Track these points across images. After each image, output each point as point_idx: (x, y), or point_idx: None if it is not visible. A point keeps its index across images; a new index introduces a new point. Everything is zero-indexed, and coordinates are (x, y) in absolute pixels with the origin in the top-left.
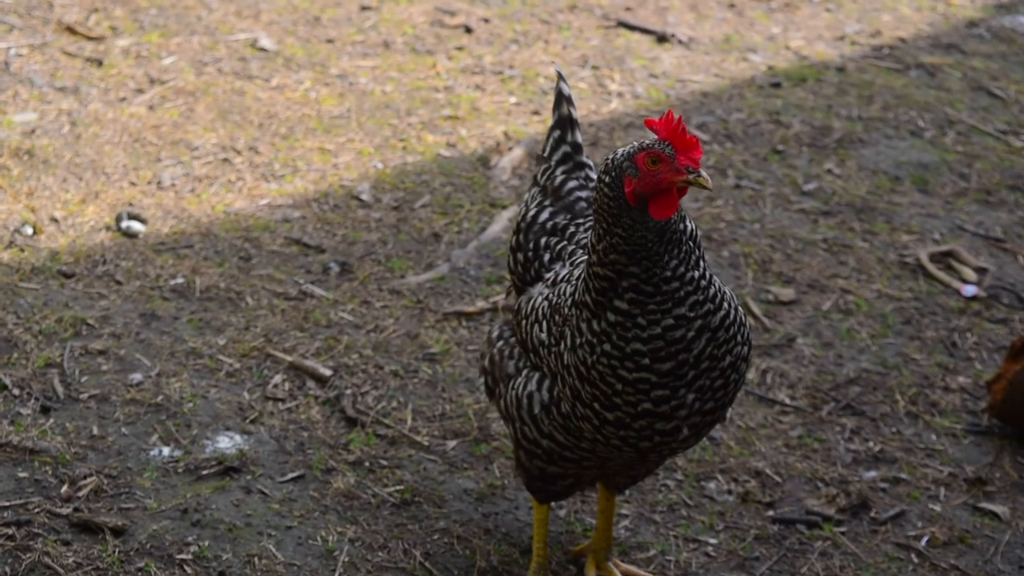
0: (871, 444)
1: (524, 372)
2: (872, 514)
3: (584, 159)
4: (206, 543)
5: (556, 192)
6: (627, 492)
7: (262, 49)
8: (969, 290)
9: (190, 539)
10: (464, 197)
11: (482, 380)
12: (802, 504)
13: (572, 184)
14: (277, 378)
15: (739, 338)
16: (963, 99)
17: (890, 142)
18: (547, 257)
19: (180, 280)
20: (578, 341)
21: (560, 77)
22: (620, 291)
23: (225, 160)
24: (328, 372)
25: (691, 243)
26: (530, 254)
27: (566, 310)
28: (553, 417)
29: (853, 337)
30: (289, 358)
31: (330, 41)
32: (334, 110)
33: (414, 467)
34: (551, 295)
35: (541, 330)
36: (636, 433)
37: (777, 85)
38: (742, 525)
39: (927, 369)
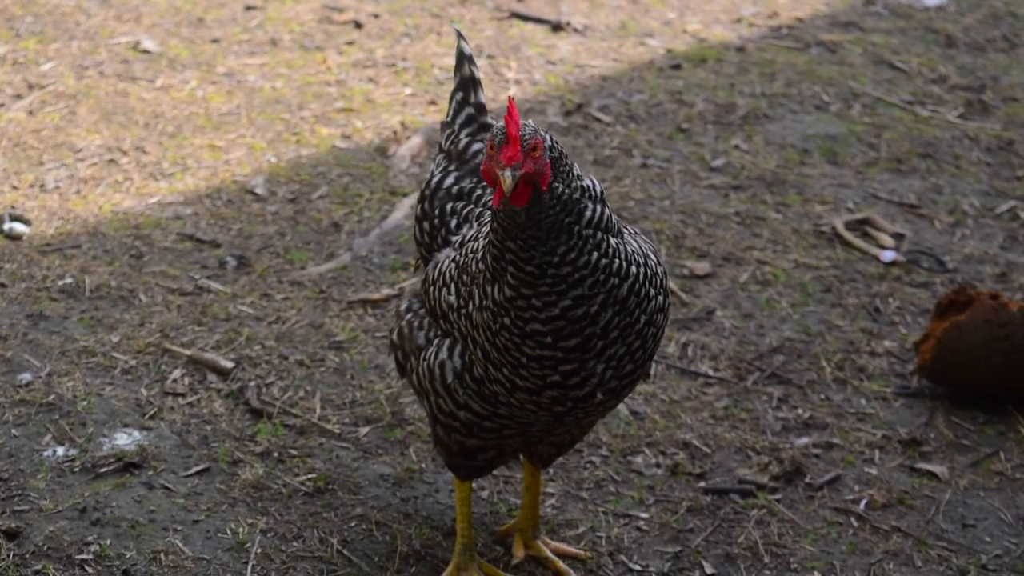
0: (800, 411)
1: (435, 342)
2: (807, 480)
3: (489, 120)
4: (108, 542)
5: (461, 156)
6: (552, 470)
7: (145, 51)
8: (888, 255)
9: (90, 538)
10: (363, 187)
11: (392, 357)
12: (734, 474)
13: (477, 146)
14: (176, 373)
15: (652, 291)
16: (866, 73)
17: (796, 116)
18: (453, 223)
19: (68, 280)
20: (485, 303)
21: (459, 36)
22: (504, 265)
23: (111, 161)
24: (230, 364)
25: (590, 230)
26: (436, 221)
27: (473, 267)
28: (467, 384)
29: (773, 307)
30: (188, 352)
31: (215, 41)
32: (223, 107)
33: (326, 455)
34: (458, 256)
35: (449, 293)
36: (549, 400)
37: (677, 67)
38: (673, 498)
39: (851, 335)
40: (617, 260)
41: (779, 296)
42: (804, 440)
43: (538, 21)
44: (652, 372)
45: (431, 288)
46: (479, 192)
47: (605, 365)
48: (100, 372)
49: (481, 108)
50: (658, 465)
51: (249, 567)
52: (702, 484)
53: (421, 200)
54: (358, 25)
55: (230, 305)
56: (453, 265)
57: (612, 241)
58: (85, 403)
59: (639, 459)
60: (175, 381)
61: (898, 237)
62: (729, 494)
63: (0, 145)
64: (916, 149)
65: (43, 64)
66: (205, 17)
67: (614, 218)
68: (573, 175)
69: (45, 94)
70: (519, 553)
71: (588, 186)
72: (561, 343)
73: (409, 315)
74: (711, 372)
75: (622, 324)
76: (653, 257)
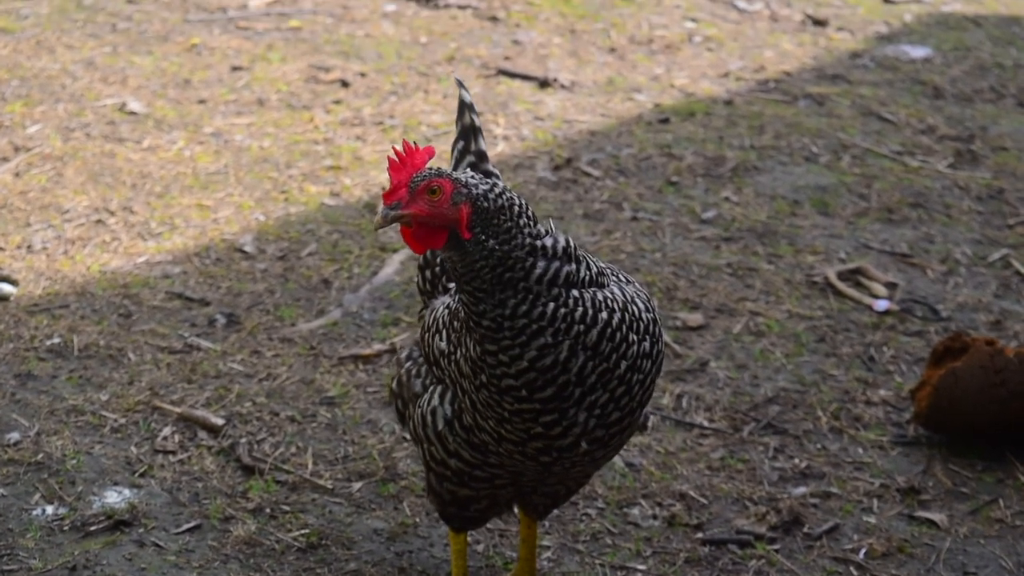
0: (797, 461)
1: (430, 389)
2: (805, 530)
3: (490, 167)
4: None
5: None
6: (547, 522)
7: (131, 113)
8: (881, 305)
9: None
10: (353, 243)
11: (393, 407)
12: (731, 524)
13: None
14: (166, 431)
15: (633, 336)
16: (855, 124)
17: (785, 168)
18: None
19: (57, 340)
20: (468, 354)
21: (460, 85)
22: (467, 318)
23: (98, 221)
24: (220, 421)
25: (541, 286)
26: (437, 269)
27: (462, 315)
28: (456, 432)
29: (767, 358)
30: (178, 410)
31: (202, 102)
32: (210, 167)
33: (319, 511)
34: (451, 302)
35: (441, 339)
36: (535, 450)
37: (666, 121)
38: (671, 549)
39: (846, 384)
40: (580, 308)
41: (773, 347)
42: (801, 490)
43: (525, 78)
44: (649, 424)
45: (426, 335)
46: None
47: (587, 413)
48: (89, 431)
49: (482, 155)
50: (655, 517)
51: None
52: (700, 535)
53: None
54: (345, 84)
55: (220, 363)
56: (446, 311)
57: (574, 293)
58: (74, 462)
59: (635, 511)
60: (165, 439)
61: (891, 286)
62: (727, 545)
63: None
64: (907, 199)
65: (29, 127)
66: (191, 79)
67: (587, 272)
68: (517, 232)
69: (32, 156)
70: None
71: (546, 245)
72: (537, 395)
73: (409, 363)
74: (706, 423)
75: (599, 370)
76: (640, 304)
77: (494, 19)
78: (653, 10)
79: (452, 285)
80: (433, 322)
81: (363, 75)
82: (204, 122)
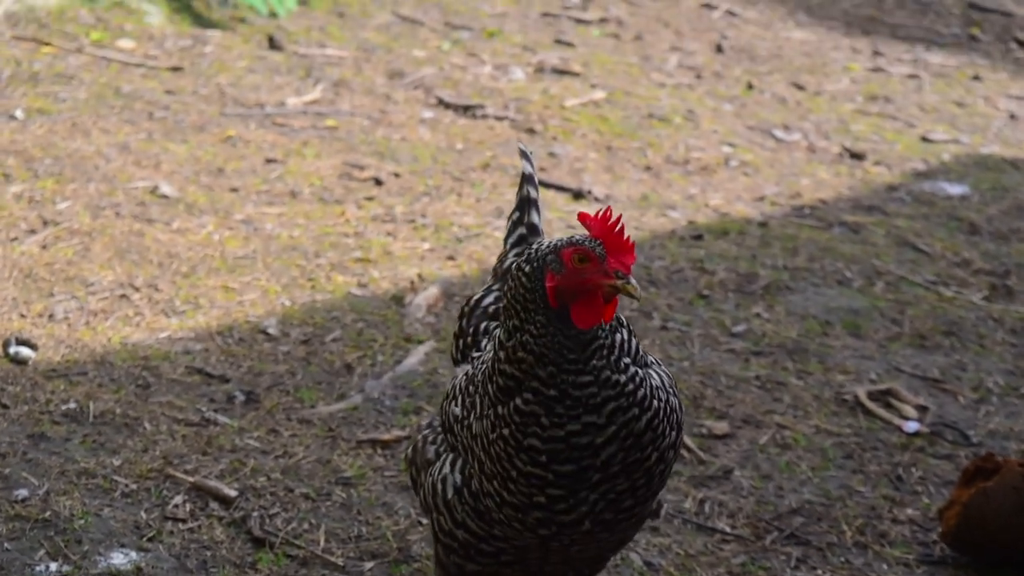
0: (819, 572)
1: (442, 457)
2: None
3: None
4: None
5: (505, 275)
6: None
7: (163, 196)
8: (911, 426)
9: None
10: (377, 332)
11: (408, 473)
12: None
13: None
14: (177, 499)
15: (669, 429)
16: (889, 253)
17: (818, 290)
18: (484, 342)
19: (72, 405)
20: (485, 412)
21: (524, 155)
22: (525, 394)
23: (122, 296)
24: (233, 493)
25: (621, 351)
26: (469, 340)
27: (479, 378)
28: (464, 500)
29: (793, 470)
30: (191, 479)
31: (234, 190)
32: (238, 251)
33: None
34: (470, 369)
35: (456, 405)
36: (535, 521)
37: (699, 237)
38: None
39: (873, 501)
40: (642, 389)
41: (799, 460)
42: None
43: (560, 189)
44: (663, 511)
45: (444, 402)
46: None
47: (599, 496)
48: (99, 494)
49: (534, 228)
50: None
51: None
52: None
53: (460, 317)
54: (378, 183)
55: (236, 438)
56: (464, 378)
57: (640, 371)
58: (82, 522)
59: None
60: (176, 506)
61: (921, 409)
62: None
63: (11, 276)
64: (940, 327)
65: (59, 203)
66: (225, 168)
67: (642, 350)
68: None
69: (59, 230)
70: None
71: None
72: (555, 466)
73: (427, 431)
74: (728, 529)
75: (629, 460)
76: (675, 393)
77: (531, 131)
78: (690, 133)
79: (479, 353)
80: (451, 388)
81: (397, 175)
82: (235, 209)
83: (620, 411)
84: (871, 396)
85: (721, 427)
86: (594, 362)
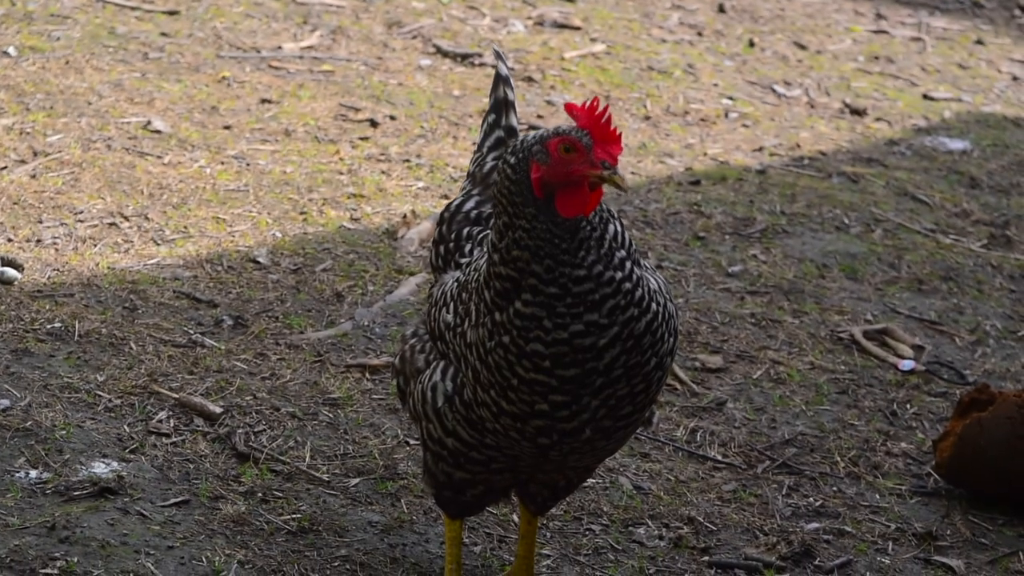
0: (811, 500)
1: (432, 365)
2: (816, 562)
3: None
4: (75, 559)
5: (484, 179)
6: (548, 533)
7: (155, 131)
8: (907, 364)
9: (57, 555)
10: (369, 264)
11: (395, 384)
12: (740, 552)
13: None
14: (161, 414)
15: (667, 335)
16: (888, 202)
17: (815, 234)
18: (468, 247)
19: (57, 324)
20: (481, 320)
21: (498, 56)
22: (524, 295)
23: (112, 224)
24: (218, 410)
25: (615, 243)
26: (451, 245)
27: (472, 285)
28: (456, 408)
29: (786, 403)
30: (175, 395)
31: (227, 127)
32: (230, 184)
33: (313, 500)
34: (461, 276)
35: (448, 312)
36: (534, 429)
37: (696, 183)
38: (675, 569)
39: (866, 434)
40: (640, 289)
41: (792, 394)
42: (814, 525)
43: None
44: (655, 419)
45: (432, 309)
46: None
47: (601, 403)
48: (82, 407)
49: (511, 131)
50: (661, 537)
51: None
52: (706, 558)
53: (440, 223)
54: (374, 124)
55: (223, 360)
56: (455, 285)
57: (636, 269)
58: (64, 432)
59: (641, 530)
60: (160, 422)
61: (918, 349)
62: (734, 569)
63: None
64: (938, 272)
65: (50, 136)
66: (219, 106)
67: (635, 245)
68: None
69: (49, 161)
70: None
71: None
72: (558, 371)
73: (413, 339)
74: (719, 457)
75: (630, 363)
76: (671, 300)
77: (529, 79)
78: (690, 85)
79: (467, 259)
80: (441, 296)
81: (393, 118)
82: (228, 145)
83: (619, 310)
84: (867, 335)
85: (715, 361)
86: (587, 256)
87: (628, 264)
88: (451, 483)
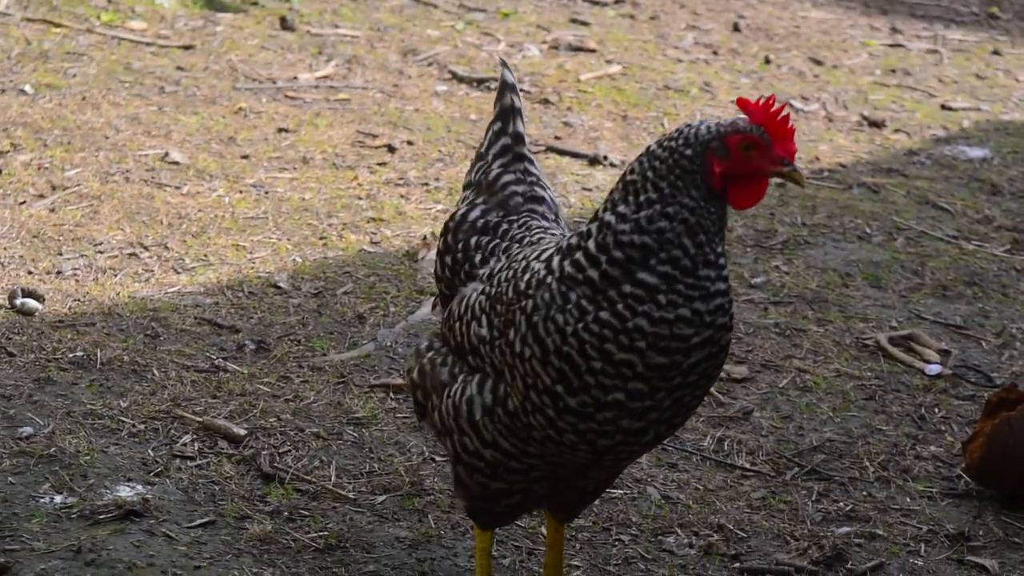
0: (841, 504)
1: (461, 378)
2: (848, 566)
3: (525, 151)
4: None
5: (490, 187)
6: (578, 545)
7: (173, 162)
8: (933, 369)
9: None
10: (390, 286)
11: (412, 399)
12: (771, 557)
13: (508, 178)
14: (186, 438)
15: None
16: (910, 210)
17: (838, 245)
18: (478, 258)
19: (79, 353)
20: (556, 307)
21: (504, 64)
22: (653, 263)
23: (132, 255)
24: (243, 432)
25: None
26: (459, 255)
27: (511, 294)
28: (497, 419)
29: (813, 411)
30: (199, 419)
31: (245, 157)
32: (249, 212)
33: (339, 518)
34: (488, 288)
35: (480, 326)
36: (598, 426)
37: None
38: None
39: (895, 439)
40: (730, 296)
41: (819, 401)
42: (845, 529)
43: (575, 155)
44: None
45: (457, 324)
46: (505, 227)
47: (671, 404)
48: (106, 433)
49: (519, 138)
50: (691, 545)
51: None
52: (737, 565)
53: (444, 233)
54: (391, 149)
55: (247, 383)
56: (483, 298)
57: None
58: (88, 458)
59: (671, 539)
60: (184, 445)
61: (944, 353)
62: (766, 574)
63: (19, 236)
64: (962, 277)
65: (68, 170)
66: (236, 136)
67: None
68: None
69: (68, 194)
70: None
71: None
72: (651, 352)
73: (431, 353)
74: (747, 465)
75: (707, 371)
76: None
77: (546, 102)
78: (707, 103)
79: (482, 271)
80: (467, 309)
81: (410, 143)
82: (246, 175)
83: (721, 311)
84: (892, 341)
85: (740, 371)
86: (718, 245)
87: (724, 255)
88: (486, 494)
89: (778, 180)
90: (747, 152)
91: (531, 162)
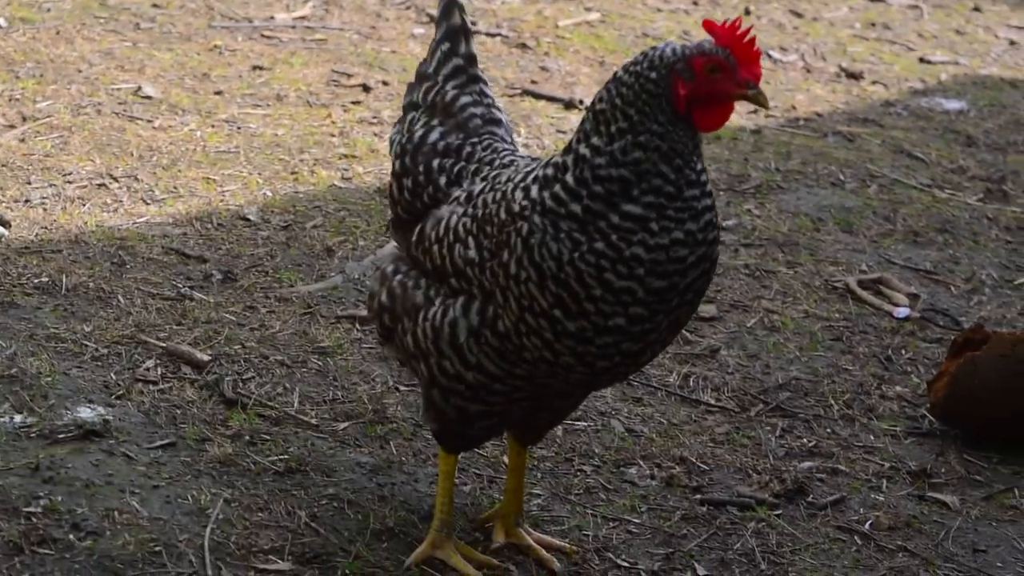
0: (804, 441)
1: (439, 300)
2: (809, 499)
3: (478, 72)
4: (59, 498)
5: (447, 109)
6: (539, 474)
7: (146, 96)
8: (902, 312)
9: (40, 494)
10: (360, 220)
11: (377, 323)
12: (732, 490)
13: (465, 100)
14: (149, 363)
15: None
16: (884, 159)
17: (811, 190)
18: (443, 180)
19: (44, 279)
20: (550, 235)
21: None
22: (636, 194)
23: (101, 185)
24: (206, 358)
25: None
26: (421, 178)
27: (517, 208)
28: (484, 342)
29: (780, 350)
30: (163, 344)
31: (219, 93)
32: (221, 146)
33: (300, 442)
34: (472, 210)
35: (467, 248)
36: (597, 349)
37: None
38: (667, 507)
39: (861, 378)
40: (715, 208)
41: (787, 341)
42: (808, 464)
43: (551, 99)
44: None
45: (435, 247)
46: (468, 149)
47: (668, 324)
48: (68, 356)
49: (471, 59)
50: (652, 477)
51: (208, 530)
52: (698, 496)
53: (402, 155)
54: (366, 89)
55: (212, 312)
56: (467, 220)
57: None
58: (49, 379)
59: (633, 470)
60: (147, 369)
61: (913, 297)
62: (726, 506)
63: None
64: (933, 224)
65: (40, 102)
66: (210, 73)
67: None
68: None
69: (39, 125)
70: (499, 538)
71: None
72: (649, 279)
73: (399, 276)
74: (712, 401)
75: (700, 288)
76: None
77: (523, 46)
78: None
79: (458, 192)
80: (447, 232)
81: (385, 83)
82: (219, 110)
83: (711, 226)
84: (862, 284)
85: (708, 310)
86: (698, 163)
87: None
88: (462, 417)
89: (753, 126)
90: (712, 74)
91: (485, 83)
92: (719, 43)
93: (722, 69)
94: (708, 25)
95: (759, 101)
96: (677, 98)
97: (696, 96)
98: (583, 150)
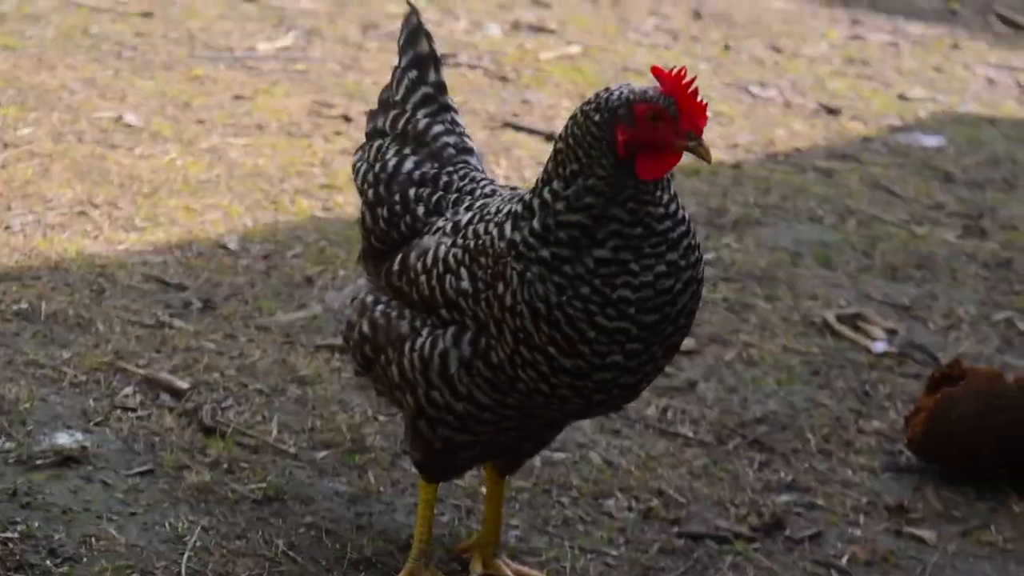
0: (782, 475)
1: (426, 331)
2: (787, 533)
3: (449, 101)
4: (36, 524)
5: (419, 138)
6: (517, 505)
7: (127, 125)
8: (879, 346)
9: (17, 519)
10: (340, 250)
11: (356, 354)
12: (710, 523)
13: (438, 128)
14: (127, 390)
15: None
16: (862, 195)
17: (789, 225)
18: (420, 210)
19: (24, 305)
20: (544, 275)
21: (414, 10)
22: (601, 238)
23: (81, 213)
24: (185, 386)
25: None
26: (397, 207)
27: (501, 246)
28: (477, 373)
29: (758, 384)
30: (142, 372)
31: (200, 122)
32: (201, 176)
33: (279, 471)
34: (463, 241)
35: (460, 279)
36: (594, 383)
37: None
38: (644, 539)
39: (839, 413)
40: (695, 234)
41: (765, 375)
42: (785, 498)
43: (531, 132)
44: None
45: (423, 277)
46: (445, 179)
47: (662, 353)
48: (47, 383)
49: (441, 87)
50: (630, 509)
51: (185, 557)
52: (676, 529)
53: (375, 184)
54: (347, 119)
55: (192, 340)
56: (458, 251)
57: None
58: (27, 406)
59: (611, 502)
60: (126, 396)
61: (890, 332)
62: (704, 539)
63: None
64: (911, 260)
65: (21, 129)
66: (192, 102)
67: None
68: None
69: (19, 152)
70: (477, 569)
71: None
72: (641, 316)
73: (380, 306)
74: (690, 434)
75: (693, 310)
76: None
77: (504, 79)
78: None
79: (443, 223)
80: (435, 262)
81: (366, 114)
82: (200, 139)
83: (691, 250)
84: (840, 319)
85: (687, 344)
86: (663, 195)
87: (682, 209)
88: (448, 447)
89: (698, 158)
90: (653, 122)
91: (456, 112)
92: (664, 91)
93: (663, 118)
94: (656, 71)
95: (700, 154)
96: (618, 143)
97: (636, 143)
98: (546, 194)
